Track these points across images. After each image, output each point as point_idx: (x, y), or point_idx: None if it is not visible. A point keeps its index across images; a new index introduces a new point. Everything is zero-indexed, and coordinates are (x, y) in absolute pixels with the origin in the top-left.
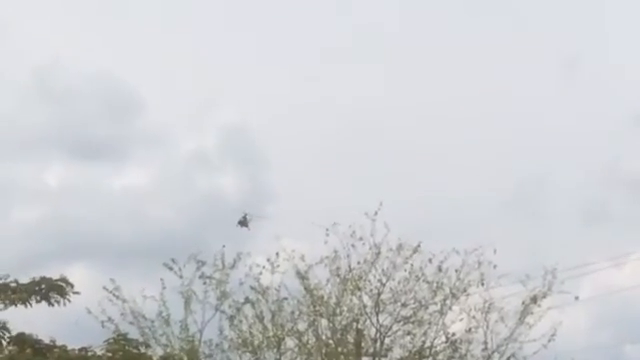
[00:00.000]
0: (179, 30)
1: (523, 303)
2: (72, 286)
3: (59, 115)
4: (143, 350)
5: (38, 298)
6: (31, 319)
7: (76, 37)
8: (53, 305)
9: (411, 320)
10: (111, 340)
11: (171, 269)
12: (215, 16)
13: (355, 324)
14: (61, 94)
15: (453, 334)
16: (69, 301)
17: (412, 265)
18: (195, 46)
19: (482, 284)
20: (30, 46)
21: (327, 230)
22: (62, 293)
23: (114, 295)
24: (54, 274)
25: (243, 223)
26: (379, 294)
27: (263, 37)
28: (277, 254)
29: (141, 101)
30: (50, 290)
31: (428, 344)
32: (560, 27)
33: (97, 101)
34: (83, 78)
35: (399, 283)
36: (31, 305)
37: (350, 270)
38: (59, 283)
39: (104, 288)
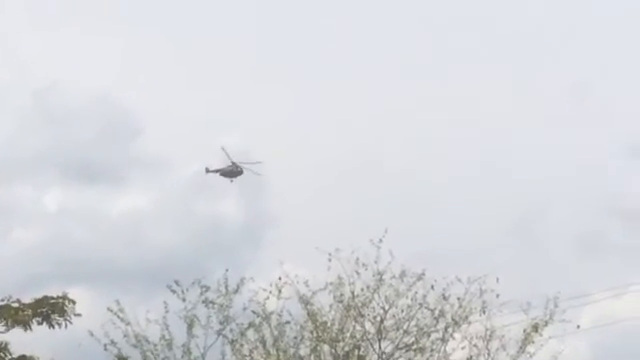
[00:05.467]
0: (179, 54)
1: (524, 331)
2: (74, 303)
3: (58, 138)
4: None
5: (39, 320)
6: (32, 341)
7: (75, 60)
8: (54, 327)
9: (413, 348)
10: None
11: (174, 292)
12: (215, 41)
13: (357, 351)
14: (60, 117)
15: None
16: (70, 322)
17: (415, 292)
18: (195, 69)
19: (484, 312)
20: (29, 69)
21: (330, 256)
22: (63, 312)
23: (118, 317)
24: (55, 295)
25: (230, 174)
26: (382, 321)
27: (265, 62)
28: (280, 279)
29: (140, 124)
30: (52, 311)
31: None
32: (559, 62)
33: (96, 124)
34: (82, 101)
35: (402, 310)
36: (31, 328)
37: (354, 297)
38: (60, 301)
39: (108, 309)
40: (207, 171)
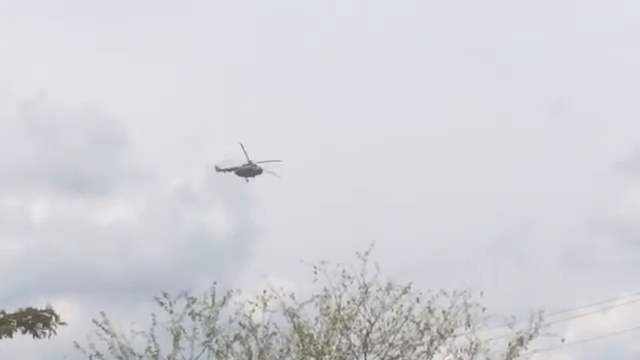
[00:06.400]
0: (166, 66)
1: (509, 345)
2: (57, 317)
3: (45, 149)
4: None
5: (24, 329)
6: (18, 353)
7: (62, 71)
8: (39, 337)
9: None
10: None
11: (162, 304)
12: (205, 56)
13: None
14: (47, 128)
15: None
16: (54, 333)
17: (401, 305)
18: (181, 82)
19: (469, 325)
20: (16, 80)
21: (315, 268)
22: (47, 324)
23: (103, 329)
24: (40, 307)
25: (246, 172)
26: (367, 334)
27: (252, 79)
28: (264, 292)
29: (127, 135)
30: (36, 321)
31: None
32: (545, 74)
33: (83, 135)
34: (69, 112)
35: (388, 323)
36: (12, 336)
37: (340, 309)
38: (44, 314)
39: (94, 321)
40: (217, 169)
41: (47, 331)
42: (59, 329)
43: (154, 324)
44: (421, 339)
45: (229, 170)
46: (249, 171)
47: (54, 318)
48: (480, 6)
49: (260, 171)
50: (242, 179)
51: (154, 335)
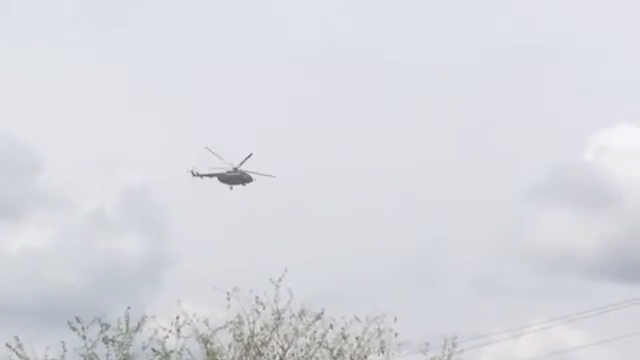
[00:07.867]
0: (80, 90)
1: None
2: None
3: None
4: None
5: None
6: None
7: None
8: None
9: None
10: None
11: (75, 329)
12: (118, 77)
13: None
14: None
15: None
16: None
17: (315, 332)
18: (96, 106)
19: (382, 352)
20: None
21: (228, 295)
22: None
23: (17, 353)
24: None
25: (233, 180)
26: None
27: (162, 100)
28: (178, 318)
29: (40, 160)
30: None
31: None
32: (461, 99)
33: None
34: None
35: (301, 350)
36: None
37: (253, 336)
38: None
39: (7, 345)
40: (194, 175)
41: None
42: None
43: (65, 350)
44: None
45: (209, 176)
46: (237, 178)
47: None
48: (398, 30)
49: (250, 179)
50: (225, 186)
51: None
